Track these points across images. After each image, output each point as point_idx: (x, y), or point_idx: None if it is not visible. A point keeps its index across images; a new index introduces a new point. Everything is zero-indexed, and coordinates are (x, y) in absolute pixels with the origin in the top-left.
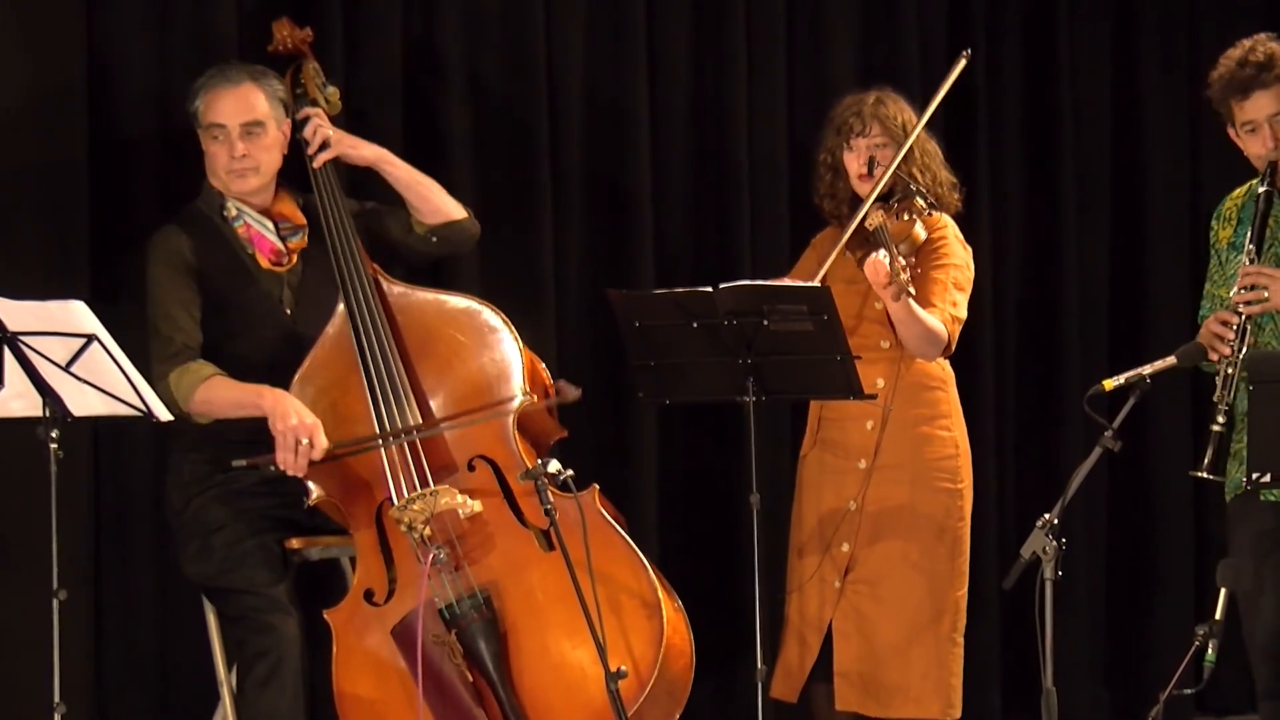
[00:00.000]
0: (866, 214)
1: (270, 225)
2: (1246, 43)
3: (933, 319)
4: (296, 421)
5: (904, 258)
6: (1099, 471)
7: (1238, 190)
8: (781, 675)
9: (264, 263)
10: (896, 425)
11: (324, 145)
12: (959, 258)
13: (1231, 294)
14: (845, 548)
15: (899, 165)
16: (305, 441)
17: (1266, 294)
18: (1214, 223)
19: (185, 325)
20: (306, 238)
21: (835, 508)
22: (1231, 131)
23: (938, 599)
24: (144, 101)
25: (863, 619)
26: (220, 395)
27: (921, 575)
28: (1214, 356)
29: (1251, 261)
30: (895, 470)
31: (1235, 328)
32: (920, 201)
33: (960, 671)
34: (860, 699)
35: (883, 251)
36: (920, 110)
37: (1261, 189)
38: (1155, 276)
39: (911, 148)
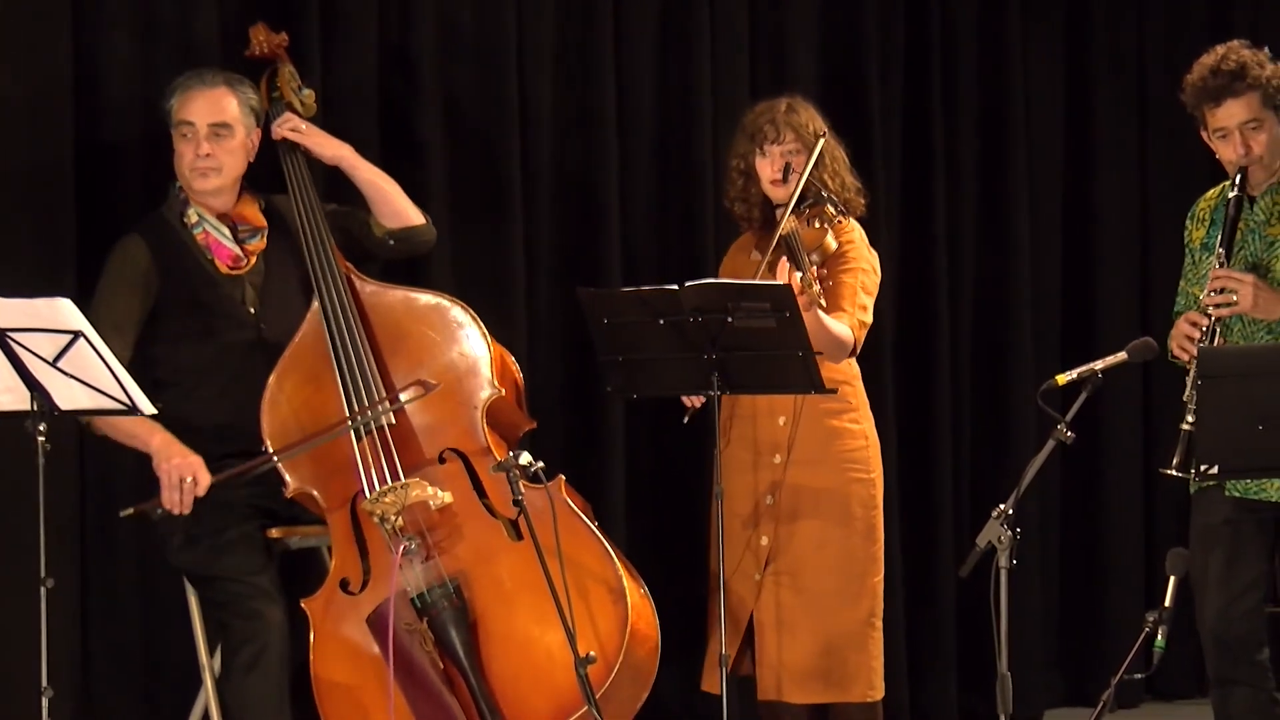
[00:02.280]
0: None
1: (227, 232)
2: (1220, 49)
3: (840, 326)
4: (179, 461)
5: (815, 265)
6: (1052, 463)
7: (1211, 191)
8: (708, 668)
9: (223, 268)
10: (808, 420)
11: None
12: (866, 262)
13: (1202, 297)
14: (765, 541)
15: (811, 172)
16: (190, 480)
17: (1235, 297)
18: (1188, 223)
19: (113, 346)
20: (266, 239)
21: (753, 502)
22: (1204, 135)
23: (856, 586)
24: (129, 106)
25: (784, 610)
26: (119, 424)
27: (840, 564)
28: (1183, 356)
29: (1221, 265)
30: (809, 464)
31: (1204, 329)
32: (831, 208)
33: (880, 654)
34: (786, 688)
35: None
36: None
37: (1232, 194)
38: (1106, 274)
39: (822, 154)
